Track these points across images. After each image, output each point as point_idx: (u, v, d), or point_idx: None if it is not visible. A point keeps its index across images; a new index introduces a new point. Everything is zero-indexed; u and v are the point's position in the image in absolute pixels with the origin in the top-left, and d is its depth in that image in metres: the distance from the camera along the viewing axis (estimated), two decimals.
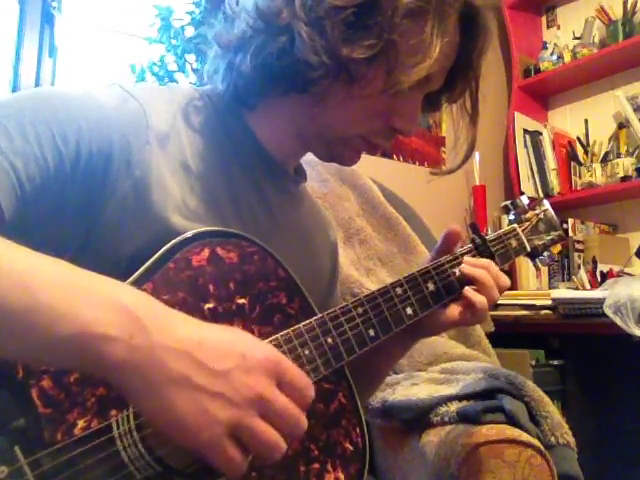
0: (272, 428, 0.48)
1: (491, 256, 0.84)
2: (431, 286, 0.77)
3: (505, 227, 0.91)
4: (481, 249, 0.84)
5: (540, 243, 0.93)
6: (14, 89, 1.57)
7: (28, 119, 0.58)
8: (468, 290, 0.77)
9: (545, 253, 0.95)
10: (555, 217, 0.96)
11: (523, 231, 0.91)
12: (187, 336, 0.47)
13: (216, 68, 0.75)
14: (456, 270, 0.80)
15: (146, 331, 0.45)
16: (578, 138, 2.52)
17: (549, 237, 0.94)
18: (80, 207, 0.60)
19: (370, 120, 0.72)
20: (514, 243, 0.89)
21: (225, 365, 0.47)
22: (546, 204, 0.96)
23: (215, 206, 0.68)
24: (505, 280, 0.79)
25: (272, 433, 0.48)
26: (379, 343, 0.71)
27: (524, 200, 0.95)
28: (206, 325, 0.50)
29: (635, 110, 2.29)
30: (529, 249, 0.91)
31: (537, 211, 0.95)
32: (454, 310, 0.78)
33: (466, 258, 0.80)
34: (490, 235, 0.87)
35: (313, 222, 0.88)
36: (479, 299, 0.76)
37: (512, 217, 0.93)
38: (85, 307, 0.45)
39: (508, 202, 0.96)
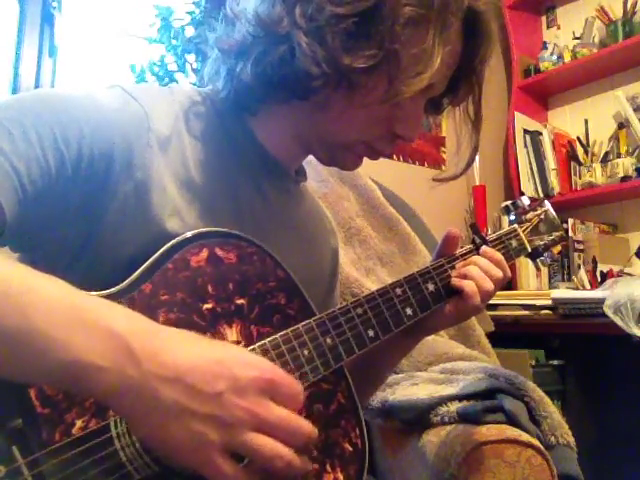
0: (271, 439, 0.48)
1: None
2: (431, 286, 0.77)
3: (505, 227, 0.91)
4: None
5: (541, 243, 0.93)
6: (14, 89, 1.57)
7: (30, 121, 0.58)
8: (456, 279, 0.78)
9: (546, 253, 0.95)
10: (556, 217, 0.96)
11: (524, 231, 0.91)
12: (178, 361, 0.48)
13: (217, 71, 0.74)
14: None
15: (137, 360, 0.46)
16: (578, 138, 2.51)
17: (550, 237, 0.94)
18: (81, 209, 0.60)
19: (372, 127, 0.72)
20: (515, 243, 0.89)
21: (217, 388, 0.48)
22: (547, 204, 0.96)
23: (214, 207, 0.68)
24: (497, 272, 0.79)
25: (269, 443, 0.48)
26: (379, 344, 0.71)
27: (525, 201, 0.95)
28: (199, 345, 0.51)
29: (635, 110, 2.29)
30: (530, 249, 0.91)
31: (538, 211, 0.94)
32: (448, 305, 0.78)
33: (457, 265, 0.80)
34: (490, 236, 0.87)
35: (314, 222, 0.87)
36: (466, 282, 0.76)
37: (513, 217, 0.93)
38: (78, 335, 0.45)
39: (509, 202, 0.96)
